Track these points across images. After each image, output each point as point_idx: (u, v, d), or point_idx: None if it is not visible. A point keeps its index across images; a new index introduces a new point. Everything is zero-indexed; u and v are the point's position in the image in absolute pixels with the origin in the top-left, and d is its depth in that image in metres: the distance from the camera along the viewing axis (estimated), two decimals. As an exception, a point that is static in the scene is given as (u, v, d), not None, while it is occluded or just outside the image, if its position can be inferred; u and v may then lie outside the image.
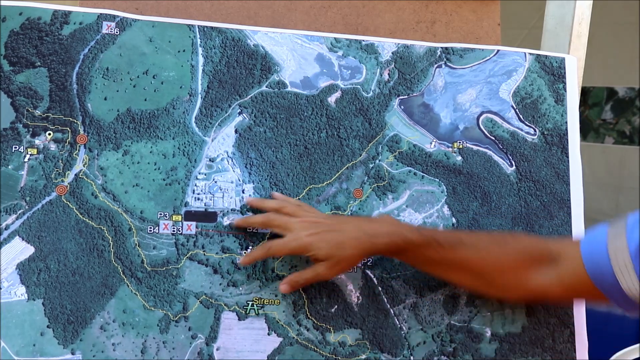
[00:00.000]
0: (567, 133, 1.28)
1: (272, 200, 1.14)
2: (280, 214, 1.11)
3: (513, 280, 1.12)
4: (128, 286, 1.10)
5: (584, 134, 3.95)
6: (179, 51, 1.16)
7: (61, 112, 1.10)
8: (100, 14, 1.13)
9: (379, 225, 1.10)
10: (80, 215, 1.09)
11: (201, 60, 1.17)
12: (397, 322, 1.19)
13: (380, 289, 1.19)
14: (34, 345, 1.05)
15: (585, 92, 3.86)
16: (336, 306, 1.17)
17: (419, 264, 1.15)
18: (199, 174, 1.14)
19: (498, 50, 1.28)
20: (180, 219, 1.13)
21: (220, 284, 1.13)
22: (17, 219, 1.07)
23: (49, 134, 1.09)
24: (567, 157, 1.28)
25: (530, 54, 1.29)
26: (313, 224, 1.08)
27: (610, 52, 3.61)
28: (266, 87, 1.19)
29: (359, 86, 1.22)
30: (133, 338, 1.09)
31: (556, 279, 1.09)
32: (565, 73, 1.29)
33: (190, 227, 1.13)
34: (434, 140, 1.24)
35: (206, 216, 1.14)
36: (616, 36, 3.54)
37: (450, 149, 1.24)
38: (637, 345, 2.01)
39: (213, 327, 1.12)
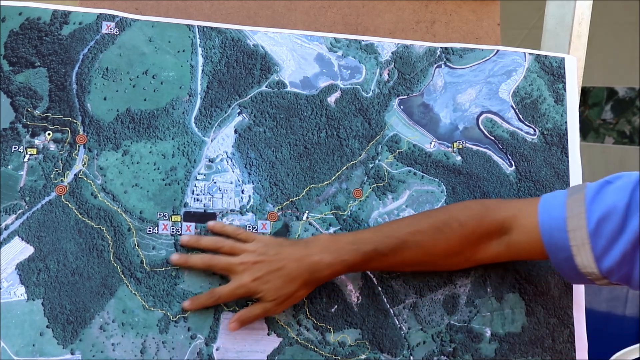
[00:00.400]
0: (566, 133, 1.28)
1: (208, 239, 1.11)
2: (220, 255, 1.10)
3: (461, 259, 1.14)
4: (127, 286, 1.10)
5: (584, 134, 3.95)
6: (178, 51, 1.16)
7: (61, 112, 1.10)
8: (100, 14, 1.13)
9: (319, 257, 1.08)
10: (79, 215, 1.09)
11: (201, 60, 1.16)
12: (397, 322, 1.19)
13: (380, 289, 1.19)
14: (33, 345, 1.05)
15: (585, 92, 3.86)
16: (336, 306, 1.17)
17: (366, 270, 1.16)
18: (199, 174, 1.14)
19: (498, 50, 1.28)
20: (179, 220, 1.13)
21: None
22: (16, 219, 1.07)
23: (49, 134, 1.09)
24: (567, 157, 1.28)
25: (529, 54, 1.29)
26: (255, 265, 1.07)
27: (611, 52, 3.61)
28: (266, 87, 1.19)
29: (358, 86, 1.22)
30: (132, 338, 1.09)
31: (505, 248, 1.12)
32: (565, 73, 1.29)
33: (190, 228, 1.13)
34: (434, 140, 1.24)
35: (205, 217, 1.14)
36: (616, 36, 3.54)
37: (450, 149, 1.24)
38: (637, 345, 2.01)
39: (212, 327, 1.12)
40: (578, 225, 1.04)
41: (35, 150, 1.09)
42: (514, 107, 1.27)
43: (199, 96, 1.16)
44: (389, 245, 1.10)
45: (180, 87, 1.15)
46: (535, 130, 1.27)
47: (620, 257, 1.01)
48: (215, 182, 1.15)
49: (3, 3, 1.08)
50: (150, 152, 1.13)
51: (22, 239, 1.07)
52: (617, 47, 3.61)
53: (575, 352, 1.23)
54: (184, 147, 1.14)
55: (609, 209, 1.02)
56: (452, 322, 1.21)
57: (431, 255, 1.12)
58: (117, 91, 1.13)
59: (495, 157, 1.26)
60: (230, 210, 1.15)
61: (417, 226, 1.12)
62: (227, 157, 1.16)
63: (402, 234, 1.11)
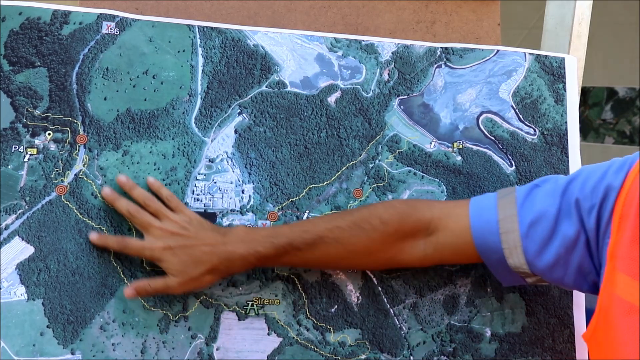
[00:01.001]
0: (567, 133, 1.28)
1: (142, 192, 1.10)
2: (144, 211, 1.09)
3: (384, 258, 1.13)
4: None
5: (584, 134, 3.95)
6: (178, 51, 1.16)
7: (61, 112, 1.10)
8: (100, 14, 1.13)
9: (232, 247, 1.07)
10: (80, 215, 1.09)
11: (201, 60, 1.16)
12: (397, 322, 1.19)
13: (380, 289, 1.19)
14: (33, 345, 1.05)
15: (585, 92, 3.86)
16: (336, 306, 1.17)
17: (283, 265, 1.14)
18: (199, 174, 1.14)
19: (498, 50, 1.28)
20: (180, 219, 1.13)
21: (220, 284, 1.13)
22: (16, 218, 1.07)
23: (49, 134, 1.09)
24: (567, 157, 1.28)
25: (530, 54, 1.29)
26: (171, 235, 1.06)
27: (611, 52, 3.61)
28: (266, 87, 1.19)
29: (358, 86, 1.22)
30: (133, 338, 1.09)
31: (432, 250, 1.11)
32: (565, 73, 1.29)
33: (190, 227, 1.13)
34: (434, 140, 1.24)
35: (205, 217, 1.13)
36: (616, 36, 3.53)
37: (450, 149, 1.24)
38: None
39: (213, 327, 1.12)
40: (510, 228, 1.05)
41: (35, 150, 1.09)
42: (514, 107, 1.27)
43: (199, 96, 1.16)
44: (305, 240, 1.08)
45: (181, 87, 1.15)
46: (535, 130, 1.27)
47: (553, 260, 1.03)
48: (215, 182, 1.15)
49: (3, 3, 1.08)
50: (150, 152, 1.13)
51: (23, 239, 1.07)
52: (617, 47, 3.61)
53: (575, 352, 1.23)
54: (184, 147, 1.14)
55: (540, 214, 1.03)
56: (452, 322, 1.21)
57: (351, 253, 1.10)
58: (117, 91, 1.13)
59: (496, 157, 1.26)
60: (231, 210, 1.15)
61: (337, 222, 1.10)
62: (227, 157, 1.16)
63: (320, 229, 1.09)
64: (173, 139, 1.14)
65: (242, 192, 1.16)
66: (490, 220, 1.06)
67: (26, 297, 1.06)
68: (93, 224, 1.10)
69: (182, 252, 1.06)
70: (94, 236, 1.08)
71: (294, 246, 1.08)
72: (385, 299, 1.19)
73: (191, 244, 1.06)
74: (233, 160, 1.16)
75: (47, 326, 1.06)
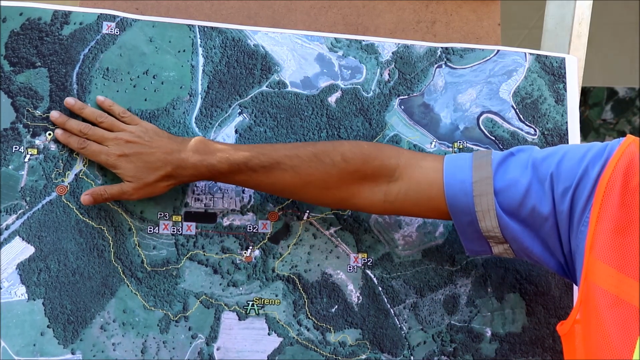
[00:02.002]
0: (567, 133, 1.28)
1: (92, 110, 1.10)
2: (97, 127, 1.09)
3: (337, 197, 1.10)
4: (128, 286, 1.10)
5: (585, 134, 3.95)
6: (179, 51, 1.16)
7: (62, 112, 1.10)
8: (101, 14, 1.13)
9: (186, 155, 1.07)
10: (80, 215, 1.10)
11: (201, 60, 1.17)
12: (398, 322, 1.19)
13: (380, 289, 1.19)
14: (34, 345, 1.05)
15: (585, 92, 3.86)
16: (336, 306, 1.17)
17: (236, 184, 1.13)
18: (199, 174, 1.14)
19: (498, 51, 1.28)
20: (180, 220, 1.13)
21: (220, 284, 1.13)
22: (17, 219, 1.07)
23: (49, 134, 1.09)
24: (567, 157, 1.28)
25: (530, 54, 1.29)
26: (127, 143, 1.07)
27: (611, 52, 3.61)
28: (266, 87, 1.19)
29: (359, 86, 1.22)
30: (133, 338, 1.09)
31: (392, 198, 1.08)
32: (565, 73, 1.29)
33: (190, 228, 1.13)
34: (434, 140, 1.24)
35: (206, 217, 1.14)
36: (616, 36, 3.54)
37: (450, 149, 1.24)
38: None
39: (213, 327, 1.12)
40: (484, 191, 1.03)
41: (35, 150, 1.09)
42: (515, 107, 1.27)
43: (200, 96, 1.16)
44: (261, 162, 1.07)
45: (181, 87, 1.15)
46: (535, 130, 1.27)
47: (522, 227, 1.03)
48: (215, 182, 1.15)
49: (3, 3, 1.08)
50: (150, 152, 1.13)
51: (23, 239, 1.07)
52: (618, 47, 3.61)
53: (575, 352, 1.23)
54: (185, 147, 1.14)
55: (513, 181, 1.02)
56: (452, 322, 1.21)
57: (306, 184, 1.08)
58: (117, 91, 1.13)
59: (496, 157, 1.25)
60: (231, 210, 1.15)
61: (298, 151, 1.08)
62: (228, 157, 1.16)
63: (279, 154, 1.08)
64: (173, 139, 1.14)
65: (243, 192, 1.16)
66: (464, 181, 1.05)
67: (26, 297, 1.06)
68: (93, 224, 1.10)
69: (137, 159, 1.06)
70: (58, 132, 1.09)
71: (249, 166, 1.07)
72: (385, 299, 1.19)
73: (146, 151, 1.07)
74: (233, 160, 1.16)
75: (48, 326, 1.06)
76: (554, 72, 1.29)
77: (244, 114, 1.17)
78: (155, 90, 1.14)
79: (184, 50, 1.16)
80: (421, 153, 1.17)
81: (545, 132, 1.27)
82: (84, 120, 1.09)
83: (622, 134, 3.86)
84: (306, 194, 1.11)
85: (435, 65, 1.25)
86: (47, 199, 1.09)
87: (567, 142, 1.28)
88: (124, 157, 1.06)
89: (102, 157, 1.07)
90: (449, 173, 1.06)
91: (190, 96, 1.15)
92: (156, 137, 1.08)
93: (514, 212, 1.03)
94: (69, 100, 1.09)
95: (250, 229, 1.15)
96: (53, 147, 1.09)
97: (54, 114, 1.09)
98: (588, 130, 3.98)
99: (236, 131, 1.17)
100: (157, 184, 1.08)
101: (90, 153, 1.08)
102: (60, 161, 1.10)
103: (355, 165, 1.07)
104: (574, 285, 1.24)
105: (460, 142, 1.24)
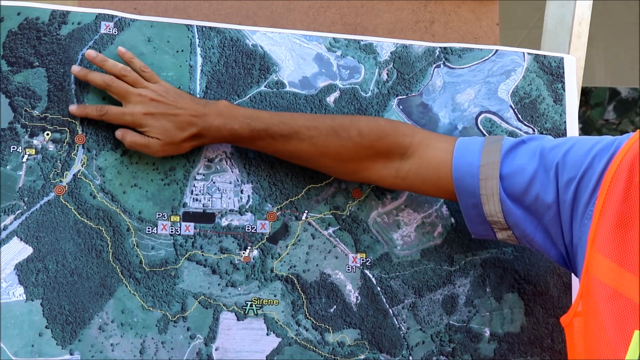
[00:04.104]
0: (565, 133, 1.28)
1: (115, 64, 1.10)
2: (120, 80, 1.09)
3: (351, 169, 1.13)
4: (126, 286, 1.10)
5: (586, 134, 3.94)
6: (177, 51, 1.16)
7: (59, 112, 1.10)
8: (99, 14, 1.13)
9: (211, 118, 1.09)
10: (78, 216, 1.10)
11: (200, 60, 1.17)
12: (396, 322, 1.19)
13: (379, 289, 1.19)
14: (32, 345, 1.05)
15: (586, 93, 3.85)
16: (335, 306, 1.17)
17: (255, 149, 1.15)
18: (197, 174, 1.14)
19: (497, 50, 1.28)
20: (178, 220, 1.13)
21: (218, 285, 1.13)
22: (15, 219, 1.07)
23: (47, 134, 1.09)
24: (567, 156, 1.28)
25: (528, 53, 1.29)
26: (151, 101, 1.07)
27: (613, 53, 3.61)
28: (265, 87, 1.19)
29: (357, 86, 1.22)
30: (132, 338, 1.09)
31: (405, 174, 1.11)
32: (563, 73, 1.29)
33: (189, 228, 1.13)
34: (433, 140, 1.23)
35: (204, 217, 1.14)
36: (619, 36, 3.53)
37: (449, 149, 1.24)
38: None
39: (212, 328, 1.12)
40: (490, 175, 1.05)
41: (33, 150, 1.09)
42: (513, 107, 1.27)
43: (198, 96, 1.16)
44: (281, 130, 1.09)
45: (179, 87, 1.15)
46: (534, 130, 1.27)
47: (523, 216, 1.04)
48: (214, 182, 1.15)
49: (1, 3, 1.08)
50: (149, 152, 1.13)
51: (21, 240, 1.07)
52: (620, 48, 3.61)
53: (575, 352, 1.23)
54: (183, 147, 1.14)
55: (519, 168, 1.04)
56: (451, 322, 1.20)
57: (322, 155, 1.11)
58: (115, 91, 1.12)
59: (495, 157, 1.25)
60: (230, 210, 1.15)
61: (316, 123, 1.11)
62: (226, 157, 1.16)
63: (298, 124, 1.10)
64: (172, 139, 1.14)
65: (241, 192, 1.16)
66: (472, 163, 1.07)
67: (25, 298, 1.06)
68: (92, 224, 1.10)
69: (164, 118, 1.07)
70: (73, 107, 1.09)
71: (269, 133, 1.09)
72: (384, 299, 1.19)
73: (172, 112, 1.08)
74: (232, 160, 1.16)
75: (46, 326, 1.06)
76: (552, 71, 1.29)
77: (243, 114, 1.17)
78: (153, 91, 1.14)
79: (182, 50, 1.16)
80: (435, 134, 1.18)
81: (544, 132, 1.27)
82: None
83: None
84: (321, 164, 1.14)
85: (434, 65, 1.25)
86: (45, 199, 1.09)
87: (566, 142, 1.28)
88: (149, 116, 1.07)
89: (126, 117, 1.08)
90: (458, 155, 1.08)
91: (188, 96, 1.15)
92: (180, 98, 1.09)
93: (518, 198, 1.04)
94: (91, 53, 1.09)
95: (248, 229, 1.15)
96: (51, 147, 1.09)
97: (75, 68, 1.09)
98: (590, 131, 3.97)
99: (234, 131, 1.17)
100: (182, 144, 1.10)
101: (112, 117, 1.08)
102: (59, 161, 1.10)
103: (371, 141, 1.10)
104: (572, 284, 1.24)
105: (458, 142, 1.24)
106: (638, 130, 0.99)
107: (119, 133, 1.09)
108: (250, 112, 1.11)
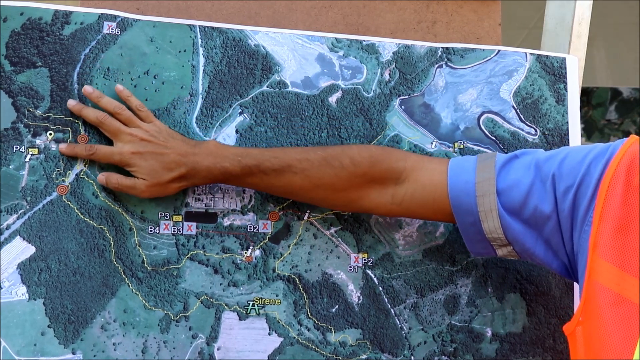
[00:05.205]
0: (568, 133, 1.28)
1: (111, 101, 1.10)
2: (113, 118, 1.09)
3: (346, 199, 1.12)
4: (129, 286, 1.10)
5: (588, 134, 3.94)
6: (179, 51, 1.16)
7: (62, 112, 1.10)
8: (101, 14, 1.13)
9: (201, 158, 1.08)
10: (81, 215, 1.10)
11: (202, 60, 1.17)
12: (398, 322, 1.19)
13: (381, 289, 1.19)
14: (34, 345, 1.05)
15: (588, 93, 3.86)
16: (337, 306, 1.17)
17: (248, 187, 1.15)
18: (200, 174, 1.14)
19: (499, 51, 1.28)
20: (180, 220, 1.13)
21: (220, 284, 1.13)
22: (18, 218, 1.07)
23: (50, 134, 1.10)
24: (568, 157, 1.28)
25: (531, 54, 1.29)
26: (141, 141, 1.08)
27: (614, 53, 3.60)
28: (267, 87, 1.19)
29: (359, 86, 1.22)
30: (134, 338, 1.10)
31: (400, 200, 1.10)
32: (566, 73, 1.29)
33: (191, 228, 1.14)
34: (435, 140, 1.24)
35: (206, 217, 1.14)
36: (620, 37, 3.53)
37: (451, 149, 1.24)
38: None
39: (214, 327, 1.12)
40: (487, 191, 1.05)
41: (36, 150, 1.09)
42: (515, 107, 1.27)
43: (200, 96, 1.16)
44: (273, 164, 1.09)
45: (182, 87, 1.15)
46: (536, 131, 1.27)
47: (524, 227, 1.04)
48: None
49: (4, 3, 1.09)
50: (151, 152, 1.13)
51: (24, 239, 1.07)
52: (621, 48, 3.61)
53: (576, 352, 1.23)
54: (185, 147, 1.14)
55: (515, 182, 1.04)
56: (453, 322, 1.21)
57: (316, 187, 1.10)
58: (118, 91, 1.13)
59: (497, 157, 1.25)
60: (232, 210, 1.15)
61: (308, 155, 1.10)
62: (228, 157, 1.16)
63: (290, 158, 1.10)
64: (174, 139, 1.14)
65: (243, 192, 1.16)
66: (468, 181, 1.06)
67: (27, 297, 1.06)
68: (94, 223, 1.10)
69: (152, 158, 1.07)
70: (62, 146, 1.09)
71: (260, 169, 1.09)
72: (386, 299, 1.19)
73: (161, 151, 1.07)
74: (234, 160, 1.16)
75: (48, 326, 1.06)
76: (554, 72, 1.29)
77: (245, 114, 1.17)
78: (155, 91, 1.14)
79: (184, 50, 1.16)
80: (427, 156, 1.18)
81: (546, 132, 1.27)
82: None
83: (627, 134, 3.84)
84: (316, 196, 1.12)
85: (436, 65, 1.25)
86: (48, 198, 1.09)
87: (568, 142, 1.28)
88: (138, 155, 1.07)
89: (115, 157, 1.08)
90: (453, 174, 1.08)
91: (190, 96, 1.16)
92: (170, 139, 1.09)
93: (516, 212, 1.04)
94: (87, 89, 1.09)
95: (250, 229, 1.16)
96: (54, 147, 1.10)
97: (71, 102, 1.09)
98: (592, 131, 3.97)
99: (237, 131, 1.17)
100: (169, 185, 1.09)
101: (101, 157, 1.09)
102: (61, 161, 1.10)
103: (364, 169, 1.09)
104: (574, 285, 1.24)
105: (460, 142, 1.24)
106: (632, 135, 0.99)
107: (101, 178, 1.09)
108: (241, 150, 1.11)
